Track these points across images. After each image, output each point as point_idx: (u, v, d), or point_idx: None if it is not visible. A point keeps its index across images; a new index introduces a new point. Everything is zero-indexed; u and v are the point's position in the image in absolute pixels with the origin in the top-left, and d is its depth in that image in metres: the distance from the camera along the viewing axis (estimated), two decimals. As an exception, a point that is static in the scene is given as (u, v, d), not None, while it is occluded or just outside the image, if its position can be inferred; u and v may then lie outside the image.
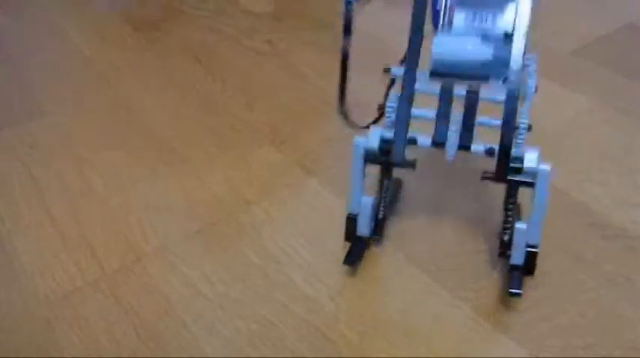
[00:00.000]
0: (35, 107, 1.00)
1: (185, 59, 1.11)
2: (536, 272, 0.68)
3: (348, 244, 0.72)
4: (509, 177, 0.62)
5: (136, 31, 1.21)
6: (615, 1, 1.26)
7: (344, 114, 0.64)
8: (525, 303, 0.66)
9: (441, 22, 0.62)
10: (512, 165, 0.61)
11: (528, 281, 0.68)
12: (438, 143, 0.62)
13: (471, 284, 0.69)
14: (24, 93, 1.04)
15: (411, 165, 0.65)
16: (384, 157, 0.65)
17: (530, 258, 0.65)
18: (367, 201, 0.68)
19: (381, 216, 0.72)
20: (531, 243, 0.65)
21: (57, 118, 0.97)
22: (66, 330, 0.66)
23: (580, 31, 1.15)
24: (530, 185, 0.62)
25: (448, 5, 0.61)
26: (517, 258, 0.65)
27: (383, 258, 0.72)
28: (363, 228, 0.70)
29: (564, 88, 1.00)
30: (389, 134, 0.64)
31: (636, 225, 0.75)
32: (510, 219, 0.67)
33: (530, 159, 0.62)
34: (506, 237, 0.68)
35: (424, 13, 0.60)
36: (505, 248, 0.68)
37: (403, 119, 0.61)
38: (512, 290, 0.64)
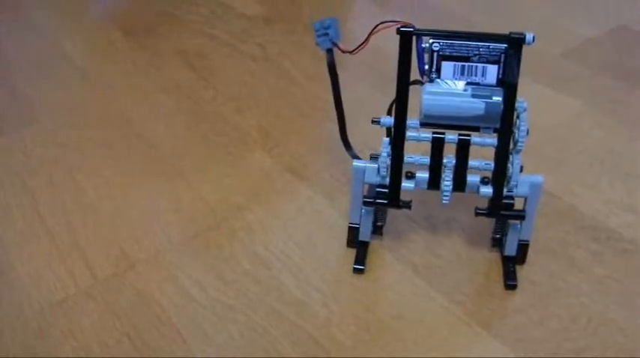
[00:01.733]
0: (27, 116, 1.00)
1: (178, 65, 1.11)
2: (528, 277, 0.68)
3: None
4: (501, 214, 0.65)
5: (128, 38, 1.21)
6: (605, 3, 1.26)
7: (351, 154, 0.71)
8: (517, 308, 0.66)
9: (428, 70, 0.62)
10: (504, 201, 0.65)
11: (521, 285, 0.68)
12: (434, 186, 0.66)
13: (465, 288, 0.69)
14: (16, 101, 1.04)
15: (408, 206, 0.67)
16: (381, 201, 0.67)
17: (523, 249, 0.69)
18: (367, 212, 0.71)
19: (380, 223, 0.74)
20: (524, 238, 0.69)
21: (49, 127, 0.97)
22: (59, 339, 0.66)
23: (570, 33, 1.16)
24: (521, 218, 0.66)
25: (435, 57, 0.61)
26: (510, 250, 0.70)
27: (376, 262, 0.72)
28: (365, 235, 0.72)
29: (554, 91, 1.00)
30: (383, 181, 0.66)
31: (628, 228, 0.75)
32: (501, 227, 0.72)
33: (523, 186, 0.65)
34: (498, 234, 0.72)
35: (409, 61, 0.60)
36: (498, 242, 0.72)
37: (398, 168, 0.64)
38: (509, 283, 0.68)
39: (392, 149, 0.64)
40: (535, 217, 0.67)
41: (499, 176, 0.63)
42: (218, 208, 0.80)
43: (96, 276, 0.73)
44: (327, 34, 0.64)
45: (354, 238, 0.72)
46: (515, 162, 0.63)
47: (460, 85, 0.61)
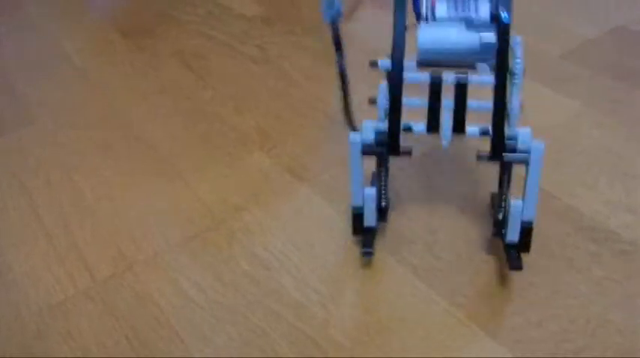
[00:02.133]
0: (26, 116, 1.00)
1: (176, 66, 1.11)
2: (527, 278, 0.68)
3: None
4: (504, 156, 0.63)
5: (126, 39, 1.21)
6: (604, 3, 1.26)
7: (352, 126, 0.69)
8: (516, 309, 0.66)
9: (424, 12, 0.62)
10: (506, 142, 0.62)
11: (520, 287, 0.68)
12: (433, 129, 0.64)
13: (466, 290, 0.69)
14: (15, 101, 1.04)
15: (408, 152, 0.65)
16: (381, 148, 0.65)
17: (526, 234, 0.66)
18: (370, 192, 0.68)
19: (383, 204, 0.72)
20: (526, 218, 0.65)
21: (48, 127, 0.97)
22: (57, 340, 0.66)
23: (569, 34, 1.16)
24: (525, 162, 0.63)
25: None
26: (512, 234, 0.66)
27: (376, 264, 0.72)
28: (370, 219, 0.70)
29: (554, 92, 1.00)
30: (383, 126, 0.64)
31: (627, 228, 0.75)
32: (505, 197, 0.68)
33: (524, 136, 0.63)
34: (500, 216, 0.68)
35: (405, 5, 0.61)
36: (499, 227, 0.69)
37: (396, 109, 0.62)
38: (514, 267, 0.65)
39: (390, 90, 0.62)
40: (537, 192, 0.64)
41: (498, 114, 0.61)
42: (216, 209, 0.80)
43: (94, 277, 0.73)
44: (331, 5, 0.64)
45: (359, 225, 0.70)
46: (514, 97, 0.62)
47: (454, 23, 0.61)
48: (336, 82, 0.69)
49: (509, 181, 0.67)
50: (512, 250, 0.67)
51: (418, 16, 0.62)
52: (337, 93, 0.78)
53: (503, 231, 0.68)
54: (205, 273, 0.72)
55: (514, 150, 0.63)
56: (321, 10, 0.65)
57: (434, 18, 0.62)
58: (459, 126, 0.64)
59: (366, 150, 0.65)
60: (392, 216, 0.77)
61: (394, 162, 0.80)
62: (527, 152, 0.63)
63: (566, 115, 0.95)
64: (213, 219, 0.79)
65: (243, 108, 0.99)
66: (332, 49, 0.65)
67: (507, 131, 0.63)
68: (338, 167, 0.84)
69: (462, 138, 0.66)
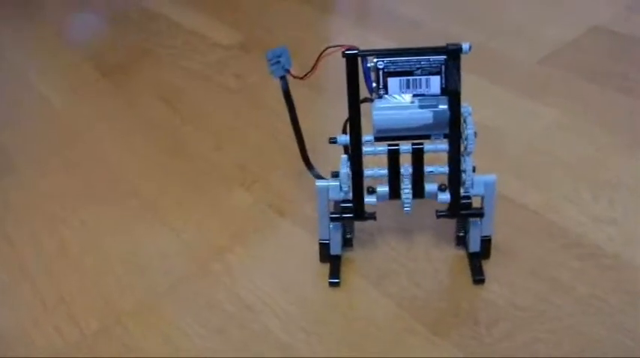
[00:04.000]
0: (6, 165, 1.00)
1: (154, 102, 1.11)
2: (512, 301, 0.68)
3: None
4: (461, 213, 0.70)
5: (104, 77, 1.21)
6: (576, 4, 1.26)
7: (318, 176, 0.74)
8: (502, 335, 0.66)
9: (376, 88, 0.65)
10: (462, 202, 0.69)
11: (506, 311, 0.68)
12: (395, 195, 0.69)
13: (449, 318, 0.69)
14: (-5, 151, 1.04)
15: (373, 217, 0.70)
16: (347, 215, 0.70)
17: (486, 245, 0.73)
18: (335, 228, 0.73)
19: (349, 236, 0.77)
20: (485, 233, 0.72)
21: (29, 175, 0.97)
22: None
23: (545, 37, 1.15)
24: (480, 215, 0.70)
25: (381, 73, 0.64)
26: (474, 246, 0.73)
27: (360, 298, 0.72)
28: (336, 249, 0.75)
29: (532, 100, 1.00)
30: (346, 196, 0.70)
31: (611, 242, 0.75)
32: (463, 225, 0.74)
33: (478, 187, 0.69)
34: (461, 233, 0.75)
35: (357, 81, 0.63)
36: (461, 242, 0.76)
37: (358, 183, 0.68)
38: (478, 278, 0.72)
39: (351, 165, 0.67)
40: (494, 214, 0.71)
41: (454, 178, 0.67)
42: (200, 252, 0.80)
43: (82, 331, 0.73)
44: (279, 62, 0.67)
45: (326, 253, 0.75)
46: (467, 163, 0.67)
47: (407, 98, 0.64)
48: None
49: (467, 231, 0.74)
50: (475, 259, 0.73)
51: (370, 91, 0.65)
52: (314, 124, 0.81)
53: (465, 243, 0.75)
54: (192, 320, 0.72)
55: (469, 207, 0.69)
56: (269, 70, 0.68)
57: (386, 91, 0.65)
58: (418, 192, 0.68)
59: (334, 218, 0.71)
60: (372, 246, 0.77)
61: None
62: (480, 207, 0.70)
63: (546, 124, 0.95)
64: (197, 263, 0.79)
65: (222, 142, 0.99)
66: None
67: (463, 192, 0.68)
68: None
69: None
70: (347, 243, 0.77)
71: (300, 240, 0.80)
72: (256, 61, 1.19)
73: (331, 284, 0.73)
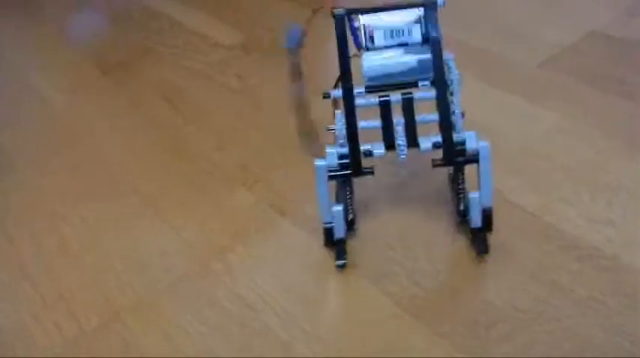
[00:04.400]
0: (6, 164, 1.00)
1: (156, 101, 1.11)
2: (512, 303, 0.69)
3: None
4: (456, 160, 0.71)
5: (105, 75, 1.21)
6: (576, 8, 1.26)
7: (315, 152, 0.74)
8: (501, 335, 0.66)
9: (363, 42, 0.70)
10: (457, 149, 0.70)
11: (505, 313, 0.68)
12: (390, 147, 0.71)
13: (449, 318, 0.69)
14: (-5, 150, 1.04)
15: (371, 172, 0.72)
16: (345, 171, 0.72)
17: (487, 218, 0.74)
18: (338, 208, 0.74)
19: (350, 217, 0.77)
20: (485, 205, 0.73)
21: (29, 175, 0.98)
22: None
23: (545, 41, 1.16)
24: (475, 161, 0.71)
25: (367, 27, 0.69)
26: (476, 221, 0.74)
27: (360, 298, 0.72)
28: (340, 232, 0.75)
29: (532, 104, 1.00)
30: (344, 151, 0.71)
31: (610, 243, 0.75)
32: (462, 192, 0.76)
33: (470, 141, 0.70)
34: (461, 207, 0.76)
35: (346, 38, 0.68)
36: (463, 216, 0.76)
37: (354, 135, 0.70)
38: (482, 251, 0.74)
39: (345, 117, 0.69)
40: (491, 183, 0.72)
41: (445, 122, 0.69)
42: (201, 251, 0.80)
43: (82, 328, 0.73)
44: (294, 35, 0.73)
45: (330, 237, 0.75)
46: (455, 107, 0.70)
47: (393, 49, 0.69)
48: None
49: (463, 178, 0.75)
50: (478, 233, 0.75)
51: (358, 47, 0.70)
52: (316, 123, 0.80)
53: (467, 219, 0.75)
54: (192, 318, 0.72)
55: (464, 153, 0.71)
56: (284, 38, 0.73)
57: (373, 46, 0.69)
58: (412, 141, 0.70)
59: (332, 175, 0.72)
60: (372, 246, 0.77)
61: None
62: (476, 153, 0.70)
63: (544, 128, 0.95)
64: (198, 262, 0.79)
65: (224, 142, 0.99)
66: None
67: (455, 137, 0.70)
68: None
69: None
70: (350, 226, 0.77)
71: (301, 240, 0.80)
72: (258, 62, 1.19)
73: (338, 266, 0.74)
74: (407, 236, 0.79)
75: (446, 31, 1.20)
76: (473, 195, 0.72)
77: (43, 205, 0.91)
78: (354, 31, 0.69)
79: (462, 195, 0.76)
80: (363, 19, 0.69)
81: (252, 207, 0.86)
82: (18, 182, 0.96)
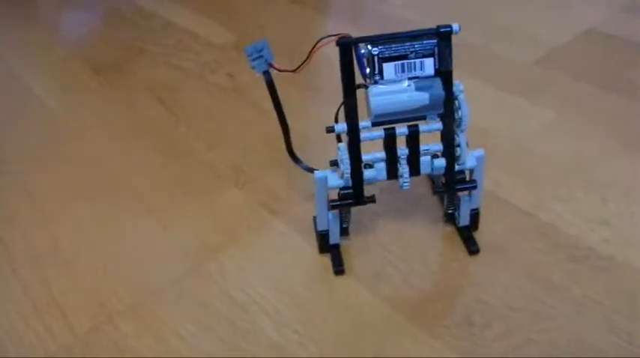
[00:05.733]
0: (-2, 164, 1.00)
1: (148, 101, 1.11)
2: (507, 302, 0.68)
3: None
4: (457, 187, 0.72)
5: (97, 75, 1.21)
6: (571, 6, 1.26)
7: (307, 168, 0.74)
8: (496, 335, 0.66)
9: (371, 74, 0.65)
10: (458, 177, 0.71)
11: (500, 312, 0.68)
12: (392, 176, 0.70)
13: (444, 320, 0.69)
14: (-15, 150, 1.03)
15: (372, 201, 0.71)
16: (347, 201, 0.71)
17: (475, 217, 0.76)
18: (333, 217, 0.74)
19: (345, 225, 0.78)
20: (474, 207, 0.75)
21: (21, 175, 0.97)
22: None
23: (540, 39, 1.15)
24: (474, 188, 0.72)
25: (376, 60, 0.64)
26: (464, 220, 0.76)
27: (354, 300, 0.72)
28: (334, 239, 0.76)
29: (527, 101, 1.00)
30: (345, 182, 0.70)
31: (605, 243, 0.75)
32: (453, 203, 0.76)
33: (470, 160, 0.70)
34: (450, 210, 0.77)
35: (352, 69, 0.64)
36: (450, 216, 0.78)
37: (357, 169, 0.69)
38: (473, 249, 0.75)
39: (349, 152, 0.68)
40: (482, 187, 0.73)
41: (450, 155, 0.69)
42: (193, 252, 0.80)
43: (74, 332, 0.72)
44: (261, 57, 0.68)
45: (325, 244, 0.76)
46: (462, 140, 0.68)
47: (403, 83, 0.65)
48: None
49: (458, 200, 0.76)
50: (465, 232, 0.77)
51: (365, 77, 0.65)
52: (305, 122, 0.83)
53: (454, 217, 0.78)
54: (184, 320, 0.71)
55: (464, 180, 0.71)
56: (251, 66, 0.68)
57: (381, 76, 0.65)
58: (414, 171, 0.70)
59: (334, 206, 0.71)
60: (366, 247, 0.77)
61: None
62: (472, 172, 0.71)
63: (541, 124, 0.95)
64: (190, 263, 0.78)
65: (216, 142, 0.98)
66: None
67: (458, 167, 0.70)
68: (311, 199, 0.84)
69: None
70: (343, 232, 0.77)
71: (292, 240, 0.80)
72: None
73: (337, 272, 0.74)
74: (400, 237, 0.78)
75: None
76: (464, 198, 0.74)
77: (35, 206, 0.90)
78: (360, 58, 0.64)
79: (451, 199, 0.77)
80: (373, 51, 0.64)
81: (243, 207, 0.85)
82: (10, 182, 0.95)
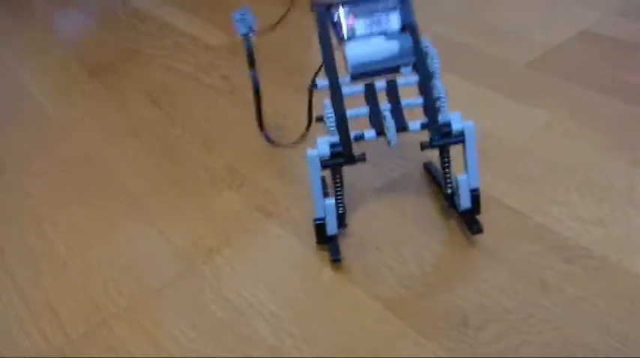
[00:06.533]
0: (-7, 166, 1.00)
1: (143, 103, 1.11)
2: (501, 304, 0.68)
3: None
4: (443, 141, 0.73)
5: (93, 77, 1.21)
6: (566, 7, 1.26)
7: (268, 138, 0.79)
8: (491, 337, 0.66)
9: (345, 33, 0.71)
10: (443, 130, 0.72)
11: (495, 314, 0.68)
12: (380, 132, 0.72)
13: (438, 321, 0.68)
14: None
15: (363, 159, 0.72)
16: (337, 159, 0.72)
17: (476, 199, 0.76)
18: (330, 203, 0.74)
19: (341, 211, 0.76)
20: (473, 187, 0.75)
21: (16, 176, 0.97)
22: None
23: (534, 40, 1.16)
24: (462, 141, 0.73)
25: (348, 18, 0.70)
26: (465, 203, 0.75)
27: (349, 301, 0.72)
28: (332, 228, 0.75)
29: (521, 103, 1.00)
30: (335, 139, 0.71)
31: (599, 243, 0.75)
32: (449, 174, 0.77)
33: (456, 122, 0.72)
34: (449, 191, 0.77)
35: (328, 31, 0.71)
36: (451, 200, 0.78)
37: (343, 123, 0.71)
38: (476, 229, 0.75)
39: (334, 106, 0.70)
40: (478, 163, 0.74)
41: (429, 104, 0.71)
42: (188, 254, 0.80)
43: (68, 334, 0.72)
44: (243, 20, 0.75)
45: (322, 234, 0.76)
46: (438, 88, 0.71)
47: (374, 37, 0.71)
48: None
49: (449, 161, 0.76)
50: (468, 215, 0.76)
51: (340, 39, 0.71)
52: (302, 124, 0.81)
53: (455, 202, 0.77)
54: (179, 322, 0.71)
55: (450, 134, 0.72)
56: (234, 24, 0.74)
57: (354, 36, 0.71)
58: (400, 124, 0.72)
59: (325, 164, 0.72)
60: (361, 248, 0.77)
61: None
62: (461, 133, 0.72)
63: (535, 126, 0.95)
64: (185, 265, 0.78)
65: (211, 144, 0.98)
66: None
67: (441, 119, 0.72)
68: (306, 201, 0.84)
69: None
70: (341, 222, 0.77)
71: (287, 242, 0.79)
72: (245, 63, 1.18)
73: (334, 261, 0.75)
74: (395, 238, 0.78)
75: (434, 29, 1.21)
76: (461, 177, 0.74)
77: (30, 208, 0.90)
78: (335, 24, 0.71)
79: (449, 180, 0.77)
80: (344, 11, 0.71)
81: (238, 210, 0.85)
82: (4, 184, 0.95)
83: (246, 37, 0.74)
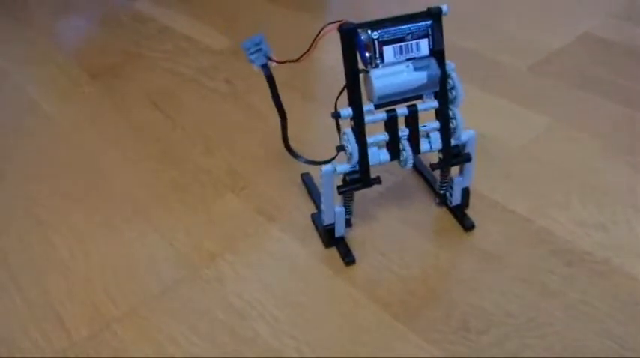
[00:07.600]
0: (-6, 171, 1.00)
1: (145, 106, 1.11)
2: (503, 307, 0.68)
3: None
4: (453, 162, 0.75)
5: (94, 80, 1.21)
6: (567, 11, 1.26)
7: (301, 160, 0.77)
8: (493, 340, 0.66)
9: (372, 59, 0.68)
10: (454, 152, 0.74)
11: (497, 318, 0.68)
12: (395, 156, 0.72)
13: (440, 325, 0.69)
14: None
15: (378, 181, 0.73)
16: (355, 185, 0.72)
17: (466, 195, 0.80)
18: (340, 210, 0.75)
19: (347, 217, 0.78)
20: (465, 185, 0.79)
21: (17, 181, 0.97)
22: (35, 408, 0.66)
23: (535, 45, 1.16)
24: (468, 160, 0.75)
25: (376, 44, 0.67)
26: (456, 200, 0.80)
27: (351, 304, 0.72)
28: (340, 231, 0.78)
29: (522, 107, 1.00)
30: (351, 167, 0.72)
31: (601, 247, 0.75)
32: (446, 181, 0.79)
33: (470, 145, 0.74)
34: (442, 191, 0.81)
35: (355, 54, 0.67)
36: (443, 199, 0.81)
37: (364, 152, 0.70)
38: (468, 225, 0.79)
39: (356, 135, 0.69)
40: (474, 166, 0.77)
41: (445, 130, 0.72)
42: (190, 258, 0.80)
43: (71, 338, 0.72)
44: (259, 50, 0.70)
45: (331, 238, 0.78)
46: (457, 115, 0.72)
47: (402, 64, 0.68)
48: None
49: (449, 174, 0.78)
50: (458, 211, 0.80)
51: (365, 63, 0.68)
52: (305, 127, 0.84)
53: (447, 201, 0.81)
54: (182, 326, 0.72)
55: (459, 155, 0.74)
56: (249, 60, 0.71)
57: (382, 61, 0.68)
58: (415, 149, 0.72)
59: (342, 191, 0.72)
60: (364, 252, 0.77)
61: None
62: (465, 146, 0.74)
63: (537, 131, 0.95)
64: (188, 269, 0.78)
65: (212, 147, 0.99)
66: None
67: (454, 141, 0.73)
68: (308, 205, 0.85)
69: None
70: (347, 223, 0.78)
71: (289, 246, 0.80)
72: (246, 67, 1.17)
73: (348, 263, 0.76)
74: (397, 242, 0.79)
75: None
76: (457, 178, 0.77)
77: (31, 211, 0.90)
78: (361, 45, 0.67)
79: (445, 184, 0.80)
80: (374, 35, 0.67)
81: (240, 213, 0.86)
82: (6, 189, 0.95)
83: (265, 67, 0.71)
